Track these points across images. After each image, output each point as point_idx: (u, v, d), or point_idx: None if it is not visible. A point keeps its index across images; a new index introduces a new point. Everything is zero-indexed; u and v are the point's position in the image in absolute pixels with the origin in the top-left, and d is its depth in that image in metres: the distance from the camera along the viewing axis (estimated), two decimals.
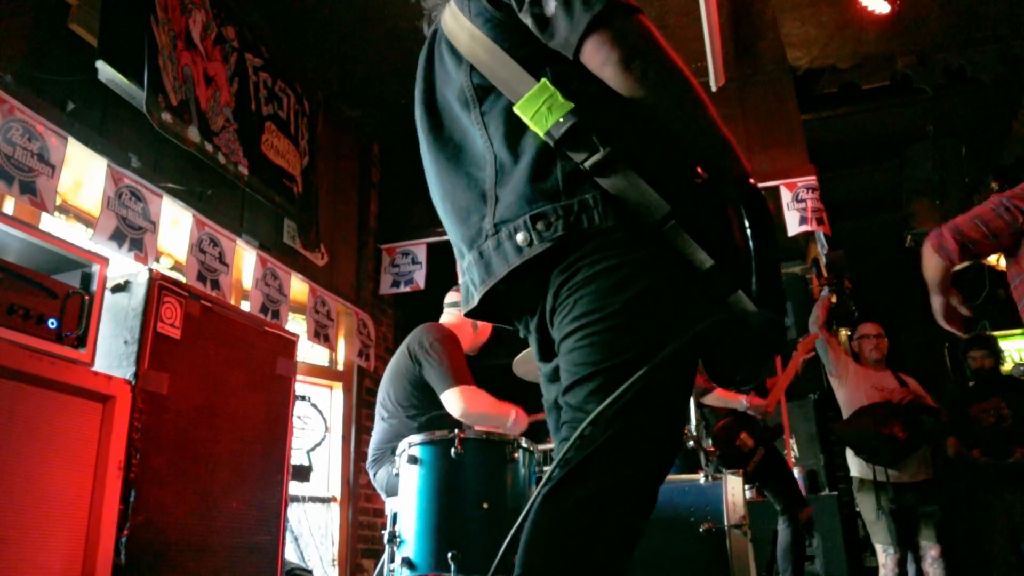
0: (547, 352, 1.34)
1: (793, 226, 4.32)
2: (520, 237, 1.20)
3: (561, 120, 1.17)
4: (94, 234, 2.92)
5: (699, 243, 1.15)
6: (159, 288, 2.27)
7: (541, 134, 1.19)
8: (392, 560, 2.32)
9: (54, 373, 1.91)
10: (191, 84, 3.34)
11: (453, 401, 2.86)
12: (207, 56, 3.51)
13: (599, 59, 1.18)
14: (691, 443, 3.05)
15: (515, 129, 1.24)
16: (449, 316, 3.28)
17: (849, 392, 4.22)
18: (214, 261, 3.54)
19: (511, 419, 2.85)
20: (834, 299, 4.20)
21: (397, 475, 2.46)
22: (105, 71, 2.91)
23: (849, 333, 4.89)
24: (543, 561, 1.09)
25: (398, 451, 2.49)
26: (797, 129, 4.61)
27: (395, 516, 2.38)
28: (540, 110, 1.18)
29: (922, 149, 5.31)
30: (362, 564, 4.39)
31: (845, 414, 4.24)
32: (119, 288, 2.28)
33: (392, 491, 2.85)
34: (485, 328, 3.23)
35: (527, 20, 1.23)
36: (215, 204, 3.66)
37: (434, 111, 1.41)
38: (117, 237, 2.99)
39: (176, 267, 3.59)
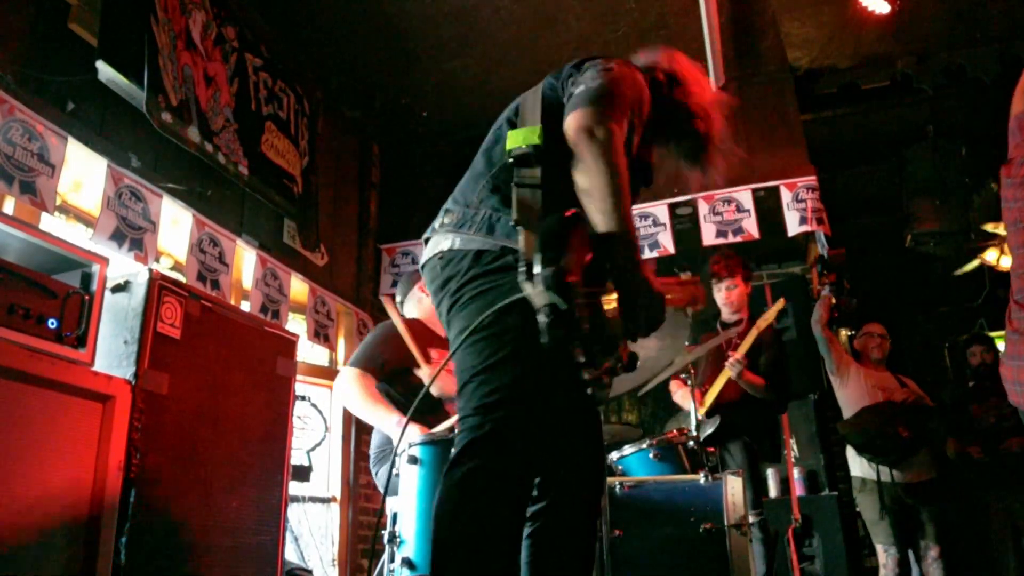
0: None
1: (793, 226, 4.32)
2: (436, 223, 1.69)
3: (524, 147, 1.54)
4: (94, 234, 2.92)
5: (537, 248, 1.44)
6: (159, 288, 2.27)
7: (507, 150, 1.56)
8: (392, 560, 2.32)
9: (54, 373, 1.91)
10: (191, 84, 3.34)
11: (339, 379, 3.00)
12: (207, 56, 3.51)
13: (567, 131, 1.53)
14: (691, 443, 3.04)
15: (491, 149, 1.70)
16: (411, 306, 3.32)
17: (851, 391, 4.22)
18: (214, 261, 3.54)
19: (392, 424, 2.80)
20: (833, 300, 4.19)
21: (397, 475, 2.46)
22: (105, 71, 2.91)
23: (851, 333, 4.89)
24: (446, 524, 1.44)
25: (398, 451, 2.49)
26: (797, 129, 4.61)
27: (395, 516, 2.39)
28: (519, 138, 1.56)
29: (922, 149, 5.31)
30: (362, 564, 4.39)
31: (846, 413, 4.24)
32: (119, 288, 2.27)
33: (392, 489, 2.85)
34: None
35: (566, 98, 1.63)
36: (215, 204, 3.66)
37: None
38: (117, 237, 2.99)
39: (176, 267, 3.59)
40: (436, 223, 1.66)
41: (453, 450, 1.45)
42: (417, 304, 3.29)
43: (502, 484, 1.45)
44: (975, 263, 5.86)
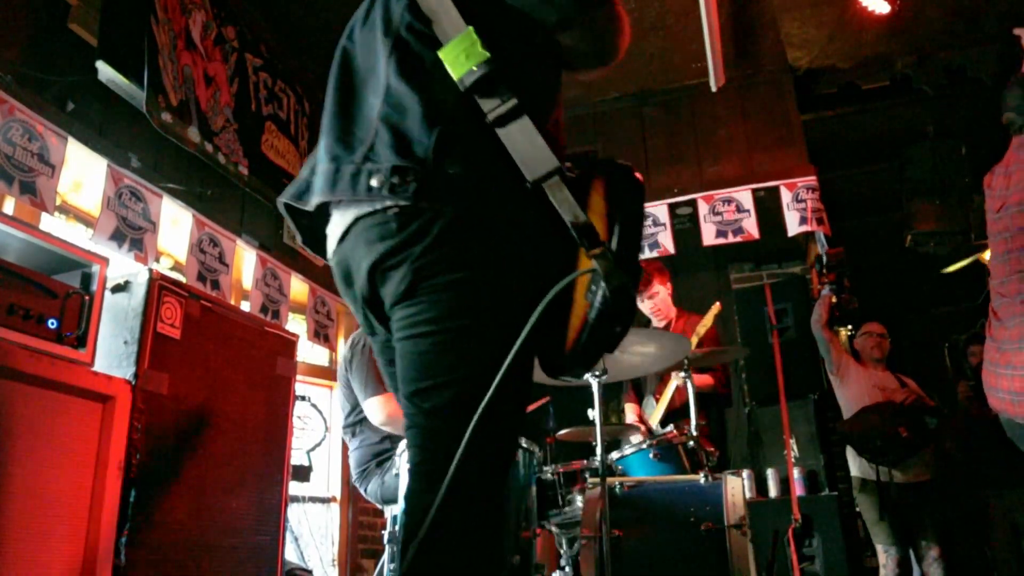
0: (376, 325, 1.38)
1: (793, 226, 4.32)
2: (375, 180, 1.22)
3: (474, 69, 1.21)
4: (94, 234, 2.92)
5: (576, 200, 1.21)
6: (159, 288, 2.27)
7: (456, 79, 1.23)
8: (392, 560, 2.32)
9: (54, 373, 1.91)
10: (191, 84, 3.34)
11: (374, 409, 2.89)
12: (207, 56, 3.51)
13: (570, 41, 1.32)
14: (691, 443, 3.04)
15: (418, 73, 1.28)
16: None
17: (851, 391, 4.22)
18: (214, 261, 3.54)
19: None
20: (834, 299, 4.19)
21: (397, 475, 2.47)
22: (105, 71, 2.91)
23: (851, 332, 4.88)
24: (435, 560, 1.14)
25: (398, 451, 2.49)
26: (797, 129, 4.61)
27: (395, 517, 2.38)
28: (459, 56, 1.22)
29: (922, 149, 5.31)
30: (362, 564, 4.39)
31: (846, 413, 4.24)
32: (119, 288, 2.27)
33: (387, 499, 2.86)
34: None
35: None
36: (215, 204, 3.66)
37: (363, 35, 1.42)
38: (117, 237, 2.99)
39: (176, 267, 3.59)
40: (374, 182, 1.22)
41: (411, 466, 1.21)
42: None
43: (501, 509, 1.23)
44: (966, 260, 5.85)
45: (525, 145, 1.21)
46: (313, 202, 1.33)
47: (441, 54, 1.24)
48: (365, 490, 3.01)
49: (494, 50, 1.22)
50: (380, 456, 2.93)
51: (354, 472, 3.06)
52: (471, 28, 1.23)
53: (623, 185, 1.28)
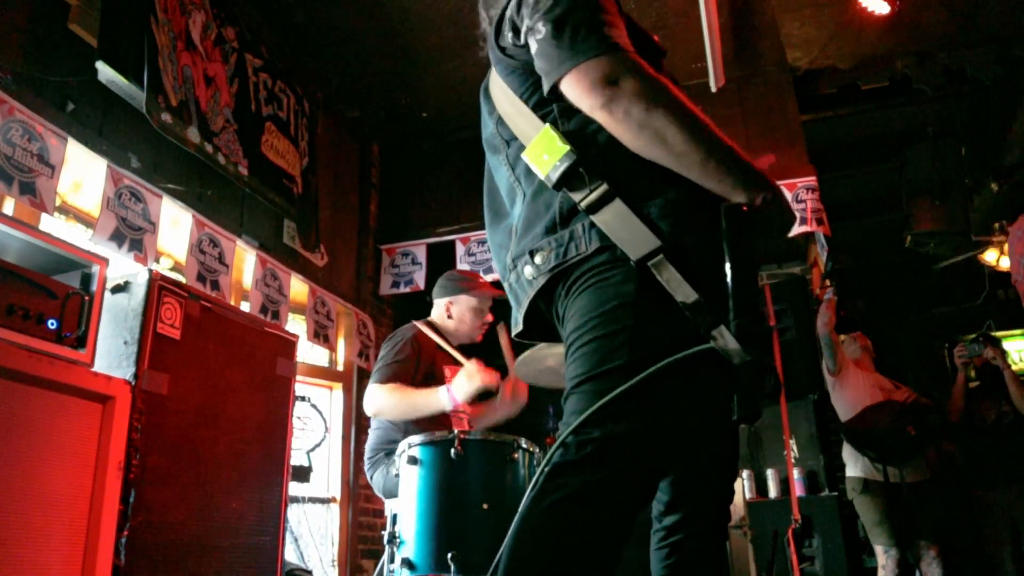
0: None
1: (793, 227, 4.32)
2: (527, 271, 1.31)
3: (557, 164, 1.23)
4: (94, 234, 2.92)
5: (685, 277, 1.16)
6: (159, 288, 2.27)
7: (543, 177, 1.27)
8: (392, 561, 2.32)
9: (54, 373, 1.91)
10: (191, 85, 3.34)
11: (366, 400, 2.86)
12: (207, 56, 3.51)
13: (574, 97, 1.23)
14: None
15: (531, 170, 1.33)
16: (436, 309, 3.26)
17: (851, 392, 4.23)
18: (214, 261, 3.54)
19: (444, 396, 2.71)
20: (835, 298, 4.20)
21: (397, 476, 2.46)
22: (105, 71, 2.91)
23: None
24: (524, 558, 1.12)
25: (398, 451, 2.49)
26: (797, 129, 4.61)
27: (395, 517, 2.39)
28: (540, 155, 1.26)
29: (922, 149, 5.31)
30: (362, 564, 4.39)
31: (843, 415, 4.24)
32: (119, 288, 2.28)
33: (389, 492, 2.84)
34: (463, 317, 3.18)
35: (531, 44, 1.29)
36: (215, 204, 3.66)
37: (490, 158, 1.52)
38: (117, 237, 2.99)
39: (176, 267, 3.59)
40: (527, 274, 1.31)
41: (540, 468, 1.18)
42: (440, 307, 3.23)
43: (593, 518, 1.12)
44: (960, 257, 5.85)
45: (621, 228, 1.19)
46: (521, 322, 1.41)
47: (526, 155, 1.29)
48: (371, 476, 3.00)
49: (572, 138, 1.24)
50: (392, 445, 2.90)
51: (366, 458, 3.05)
52: (547, 126, 1.26)
53: (728, 224, 1.18)
